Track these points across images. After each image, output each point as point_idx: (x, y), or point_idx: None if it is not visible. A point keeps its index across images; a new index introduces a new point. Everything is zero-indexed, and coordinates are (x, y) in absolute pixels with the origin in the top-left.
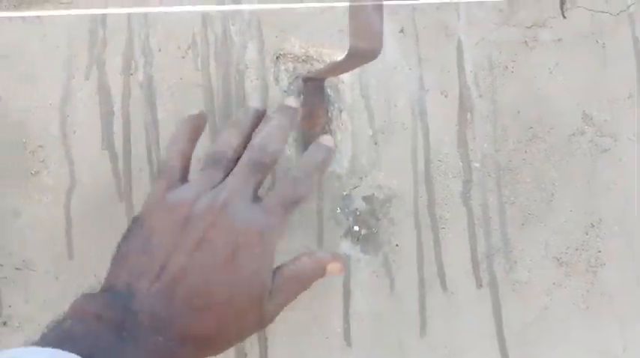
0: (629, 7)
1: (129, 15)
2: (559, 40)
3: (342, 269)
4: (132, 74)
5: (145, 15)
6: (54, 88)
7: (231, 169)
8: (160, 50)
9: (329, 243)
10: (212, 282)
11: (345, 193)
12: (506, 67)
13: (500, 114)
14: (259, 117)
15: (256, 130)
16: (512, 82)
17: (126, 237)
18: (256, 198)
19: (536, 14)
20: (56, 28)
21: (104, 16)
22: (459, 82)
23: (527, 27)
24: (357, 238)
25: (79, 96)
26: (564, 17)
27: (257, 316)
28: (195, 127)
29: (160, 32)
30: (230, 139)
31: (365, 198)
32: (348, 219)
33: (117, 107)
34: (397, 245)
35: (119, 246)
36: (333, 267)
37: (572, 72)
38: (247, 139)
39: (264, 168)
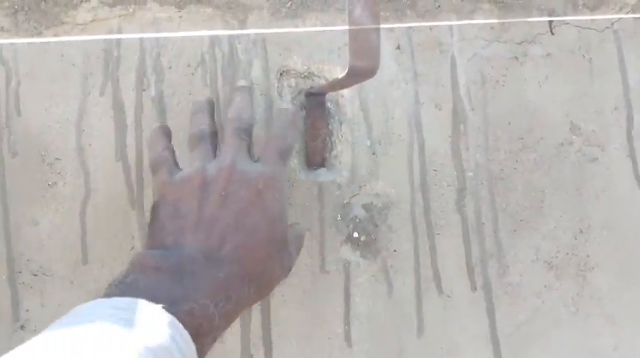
0: (613, 24)
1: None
2: (548, 55)
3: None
4: (144, 90)
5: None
6: (71, 104)
7: (215, 142)
8: (170, 68)
9: (330, 248)
10: (246, 222)
11: (345, 201)
12: (498, 81)
13: (492, 126)
14: (210, 102)
15: (228, 107)
16: (504, 95)
17: (153, 218)
18: (252, 158)
19: (526, 31)
20: (72, 48)
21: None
22: (453, 96)
23: (518, 43)
24: (356, 244)
25: (94, 111)
26: (552, 34)
27: (286, 253)
28: (167, 130)
29: (171, 51)
30: (201, 120)
31: (364, 206)
32: (348, 226)
33: (130, 121)
34: (395, 250)
35: (150, 227)
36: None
37: (560, 85)
38: (213, 117)
39: (247, 132)
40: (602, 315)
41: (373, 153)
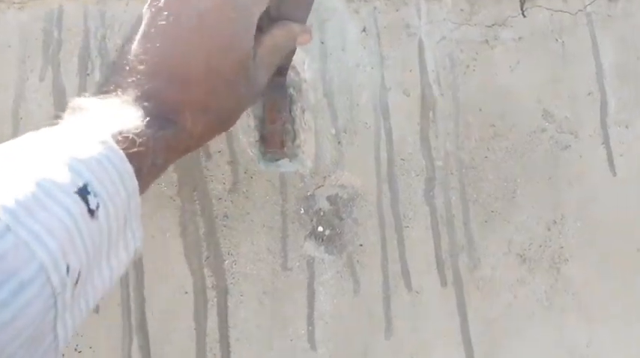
0: (586, 6)
1: (85, 15)
2: (519, 38)
3: (311, 38)
4: (88, 74)
5: (102, 14)
6: (7, 90)
7: None
8: (116, 50)
9: (293, 244)
10: (185, 51)
11: (308, 193)
12: (468, 65)
13: (463, 113)
14: None
15: None
16: (474, 80)
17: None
18: None
19: (497, 13)
20: (8, 29)
21: (60, 15)
22: (421, 81)
23: (488, 26)
24: (321, 239)
25: (33, 97)
26: (524, 16)
27: (245, 80)
28: None
29: (118, 33)
30: None
31: (328, 198)
32: (311, 220)
33: None
34: (361, 245)
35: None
36: (302, 38)
37: (532, 70)
38: None
39: None
40: (576, 309)
41: (338, 142)
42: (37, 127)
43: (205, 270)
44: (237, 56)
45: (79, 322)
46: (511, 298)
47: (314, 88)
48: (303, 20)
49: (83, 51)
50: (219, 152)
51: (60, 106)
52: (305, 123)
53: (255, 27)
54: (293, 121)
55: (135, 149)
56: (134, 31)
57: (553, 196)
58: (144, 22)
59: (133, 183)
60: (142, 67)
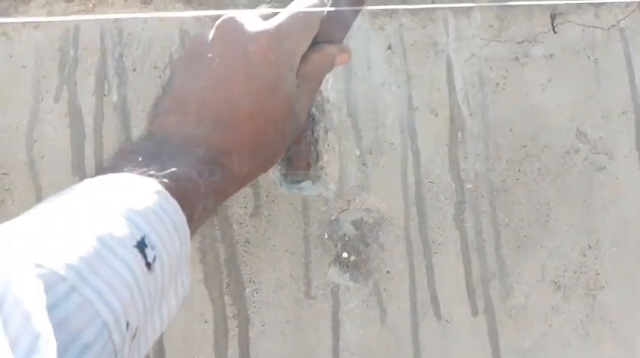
0: (619, 21)
1: (102, 33)
2: (551, 55)
3: (350, 58)
4: (105, 95)
5: (120, 32)
6: (21, 111)
7: None
8: (134, 70)
9: (317, 270)
10: (226, 93)
11: (332, 218)
12: (498, 83)
13: (493, 133)
14: None
15: None
16: (504, 99)
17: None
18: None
19: (527, 29)
20: (23, 48)
21: (76, 33)
22: (450, 100)
23: (518, 42)
24: (345, 265)
25: (48, 118)
26: (555, 32)
27: (291, 118)
28: None
29: (135, 51)
30: None
31: (353, 223)
32: (336, 246)
33: (89, 130)
34: (388, 271)
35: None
36: (341, 59)
37: (564, 88)
38: None
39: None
40: (613, 339)
41: (363, 164)
42: (51, 150)
43: (226, 298)
44: (283, 96)
45: None
46: (545, 327)
47: (338, 108)
48: (340, 39)
49: (100, 70)
50: None
51: (75, 128)
52: (328, 144)
53: (297, 66)
54: (316, 142)
55: (187, 197)
56: (175, 68)
57: (588, 220)
58: (185, 62)
59: (186, 232)
60: (187, 110)
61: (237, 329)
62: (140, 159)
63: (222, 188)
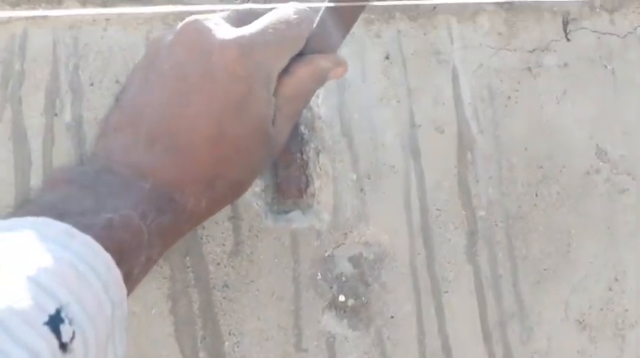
0: (635, 28)
1: (54, 42)
2: (565, 65)
3: (346, 70)
4: (56, 115)
5: (75, 42)
6: None
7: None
8: (92, 84)
9: (309, 318)
10: (186, 112)
11: (326, 254)
12: (509, 97)
13: (505, 153)
14: None
15: None
16: (517, 114)
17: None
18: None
19: (538, 36)
20: None
21: (23, 43)
22: (457, 116)
23: (530, 51)
24: (343, 310)
25: None
26: (568, 40)
27: (262, 144)
28: None
29: (93, 63)
30: None
31: (351, 259)
32: (331, 287)
33: (36, 156)
34: (392, 316)
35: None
36: (335, 73)
37: (581, 101)
38: None
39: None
40: None
41: (360, 190)
42: None
43: (201, 355)
44: (252, 119)
45: None
46: None
47: (330, 126)
48: (334, 48)
49: (51, 85)
50: None
51: (20, 155)
52: (320, 168)
53: (274, 83)
54: (306, 165)
55: (125, 249)
56: (130, 76)
57: (613, 249)
58: (141, 71)
59: (121, 292)
60: (137, 130)
61: None
62: (72, 192)
63: (172, 229)
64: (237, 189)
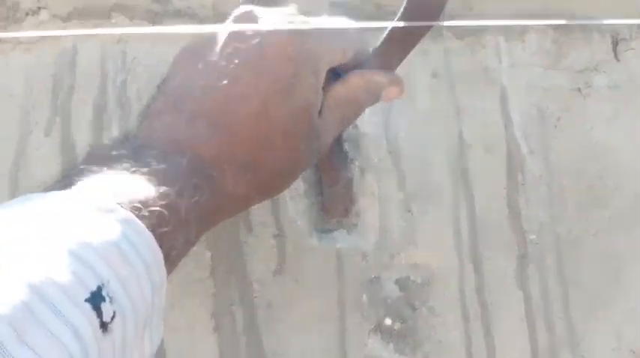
0: None
1: (102, 56)
2: (615, 86)
3: (401, 92)
4: (104, 129)
5: (123, 56)
6: (5, 147)
7: None
8: (139, 99)
9: (354, 341)
10: (236, 91)
11: (372, 276)
12: (559, 117)
13: (556, 174)
14: None
15: None
16: (566, 135)
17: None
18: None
19: (588, 56)
20: (12, 74)
21: (73, 57)
22: (506, 136)
23: (579, 71)
24: (389, 334)
25: (36, 155)
26: (618, 60)
27: (307, 134)
28: None
29: (142, 77)
30: None
31: (398, 282)
32: (377, 310)
33: None
34: (440, 341)
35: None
36: (389, 92)
37: (632, 122)
38: None
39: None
40: None
41: (408, 211)
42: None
43: None
44: (300, 101)
45: None
46: None
47: (376, 144)
48: (393, 66)
49: (99, 99)
50: (262, 223)
51: (69, 167)
52: (366, 188)
53: (323, 76)
54: (351, 184)
55: (165, 228)
56: (173, 64)
57: None
58: (185, 58)
59: (161, 274)
60: (180, 109)
61: None
62: (106, 168)
63: (209, 210)
64: (278, 180)
